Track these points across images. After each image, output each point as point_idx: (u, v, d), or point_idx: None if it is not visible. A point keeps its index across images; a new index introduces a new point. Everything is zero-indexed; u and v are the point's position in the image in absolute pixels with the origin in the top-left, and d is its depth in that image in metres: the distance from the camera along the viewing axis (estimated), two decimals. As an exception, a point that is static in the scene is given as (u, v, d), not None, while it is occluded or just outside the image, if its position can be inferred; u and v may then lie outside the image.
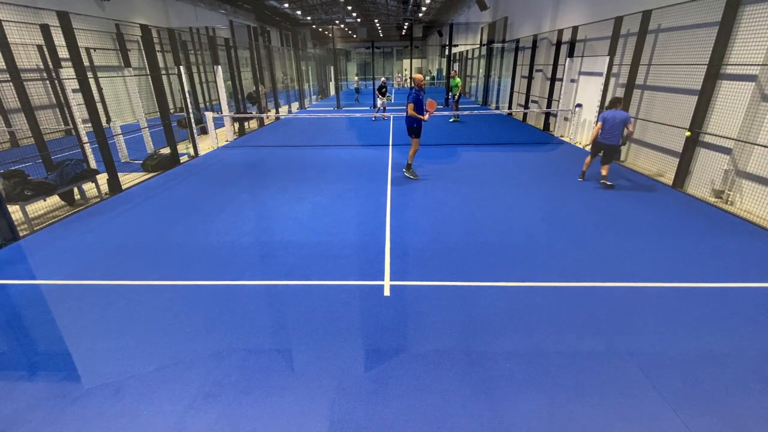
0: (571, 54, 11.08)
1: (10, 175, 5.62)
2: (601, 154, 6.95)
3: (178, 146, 9.44)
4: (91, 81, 7.27)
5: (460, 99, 15.01)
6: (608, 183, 6.86)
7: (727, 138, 6.01)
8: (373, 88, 22.01)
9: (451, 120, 14.86)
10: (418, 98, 7.04)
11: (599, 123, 6.79)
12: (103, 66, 13.64)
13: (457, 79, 14.86)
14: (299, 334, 3.26)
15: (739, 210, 5.79)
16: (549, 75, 12.61)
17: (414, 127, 7.27)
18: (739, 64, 5.89)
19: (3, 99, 11.07)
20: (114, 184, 7.11)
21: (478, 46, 22.92)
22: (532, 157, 9.22)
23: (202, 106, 16.07)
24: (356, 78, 26.24)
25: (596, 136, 6.84)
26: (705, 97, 6.34)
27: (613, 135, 6.60)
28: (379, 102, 15.66)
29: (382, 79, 16.76)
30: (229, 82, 13.95)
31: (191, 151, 9.99)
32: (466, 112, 14.55)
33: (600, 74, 9.45)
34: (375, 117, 15.86)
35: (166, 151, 9.16)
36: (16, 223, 5.18)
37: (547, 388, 2.68)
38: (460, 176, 7.74)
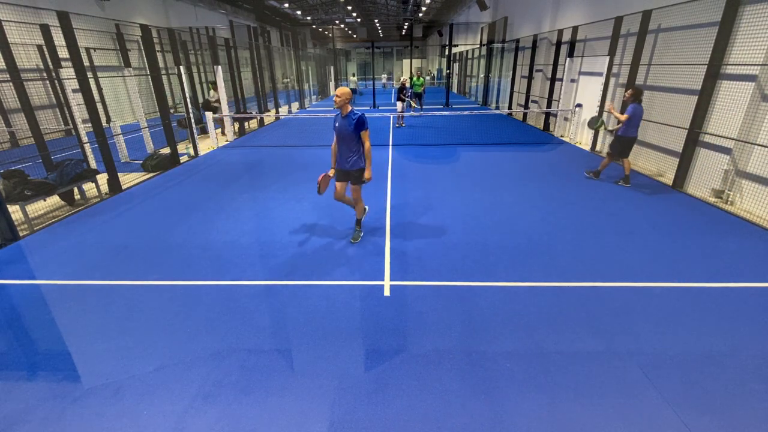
0: (571, 54, 11.08)
1: (10, 175, 5.62)
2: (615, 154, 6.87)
3: (178, 146, 9.43)
4: (91, 81, 7.26)
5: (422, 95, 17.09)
6: (628, 183, 6.94)
7: (727, 138, 6.01)
8: (373, 89, 21.99)
9: (411, 112, 16.76)
10: (339, 128, 4.44)
11: (627, 115, 6.51)
12: (103, 66, 13.64)
13: (421, 79, 16.67)
14: (299, 334, 3.26)
15: (739, 210, 5.79)
16: (549, 75, 12.61)
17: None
18: (739, 64, 5.89)
19: (3, 99, 11.07)
20: (114, 184, 7.11)
21: (478, 46, 22.92)
22: (532, 157, 9.22)
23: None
24: (353, 78, 26.10)
25: (618, 129, 6.67)
26: (705, 97, 6.33)
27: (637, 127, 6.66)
28: (399, 107, 13.94)
29: (404, 78, 14.86)
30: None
31: (191, 151, 9.99)
32: (466, 113, 14.56)
33: (600, 74, 9.45)
34: (400, 123, 14.19)
35: (166, 151, 9.16)
36: (16, 223, 5.18)
37: (547, 388, 2.68)
38: (460, 176, 7.74)
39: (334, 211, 5.96)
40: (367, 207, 5.19)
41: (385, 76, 35.66)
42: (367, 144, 4.44)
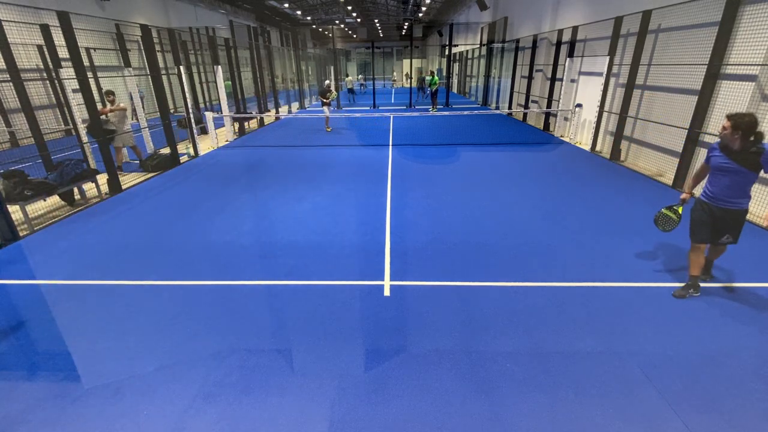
0: (571, 54, 11.08)
1: (10, 175, 5.61)
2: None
3: (178, 146, 9.43)
4: (91, 81, 7.25)
5: (437, 93, 18.33)
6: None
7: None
8: (374, 89, 21.96)
9: (430, 111, 17.78)
10: None
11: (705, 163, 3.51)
12: (103, 66, 13.64)
13: (436, 78, 17.72)
14: (299, 334, 3.26)
15: (739, 210, 5.78)
16: (549, 75, 12.61)
17: None
18: (739, 64, 5.89)
19: (3, 99, 11.06)
20: (114, 184, 7.11)
21: (478, 46, 22.91)
22: (532, 157, 9.22)
23: (202, 106, 16.06)
24: (348, 78, 26.15)
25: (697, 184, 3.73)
26: (705, 97, 6.33)
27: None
28: (325, 111, 13.04)
29: (327, 82, 13.79)
30: (229, 82, 13.49)
31: (191, 151, 9.99)
32: (466, 113, 14.57)
33: (600, 74, 9.45)
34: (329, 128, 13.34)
35: (166, 151, 9.16)
36: (16, 223, 5.18)
37: (547, 388, 2.68)
38: (460, 176, 7.74)
39: (334, 210, 5.96)
40: None
41: (362, 77, 38.14)
42: None
